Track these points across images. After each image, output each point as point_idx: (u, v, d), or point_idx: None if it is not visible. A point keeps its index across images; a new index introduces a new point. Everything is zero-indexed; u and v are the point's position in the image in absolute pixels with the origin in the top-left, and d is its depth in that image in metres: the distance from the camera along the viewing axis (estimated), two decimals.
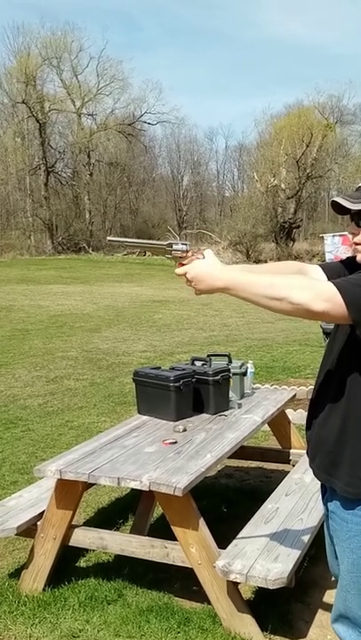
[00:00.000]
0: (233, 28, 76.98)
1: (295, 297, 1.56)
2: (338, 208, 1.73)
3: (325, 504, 1.85)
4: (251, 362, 3.88)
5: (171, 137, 46.99)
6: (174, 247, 1.81)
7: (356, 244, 1.73)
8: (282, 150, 35.65)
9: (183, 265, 1.76)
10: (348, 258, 1.86)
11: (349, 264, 1.83)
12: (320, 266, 1.92)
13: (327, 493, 1.82)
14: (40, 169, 38.48)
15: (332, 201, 1.74)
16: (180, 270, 1.73)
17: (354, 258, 1.79)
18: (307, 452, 1.88)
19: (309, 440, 1.83)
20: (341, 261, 1.90)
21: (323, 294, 1.56)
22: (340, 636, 1.83)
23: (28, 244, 35.95)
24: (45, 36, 39.67)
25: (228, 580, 2.52)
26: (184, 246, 1.80)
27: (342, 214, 1.73)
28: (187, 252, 1.79)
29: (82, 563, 3.22)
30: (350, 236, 1.77)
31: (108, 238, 2.01)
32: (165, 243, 1.82)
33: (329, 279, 1.83)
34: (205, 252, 1.74)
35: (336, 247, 13.43)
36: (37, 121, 37.92)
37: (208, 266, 1.68)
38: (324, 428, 1.76)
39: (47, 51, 39.09)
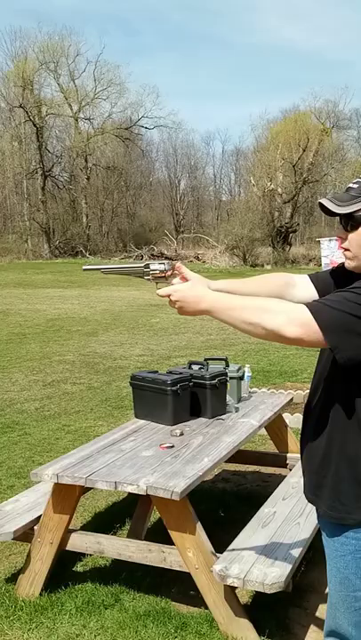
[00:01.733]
0: (230, 34, 77.30)
1: (267, 322, 1.52)
2: (326, 210, 1.66)
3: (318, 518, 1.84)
4: (248, 366, 3.89)
5: (168, 141, 47.15)
6: (152, 267, 1.78)
7: (344, 249, 1.68)
8: (278, 155, 35.75)
9: (164, 284, 1.75)
10: (339, 265, 1.82)
11: (340, 271, 1.78)
12: (309, 276, 1.87)
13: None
14: (37, 173, 38.49)
15: (319, 202, 1.68)
16: (162, 291, 1.69)
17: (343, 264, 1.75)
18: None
19: (301, 450, 1.82)
20: (333, 269, 1.86)
21: (296, 319, 1.50)
22: None
23: (25, 248, 35.92)
24: (43, 40, 39.79)
25: (225, 585, 2.52)
26: (162, 266, 1.77)
27: (330, 215, 1.67)
28: (166, 271, 1.77)
29: (79, 567, 3.21)
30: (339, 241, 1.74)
31: (84, 268, 1.91)
32: (142, 264, 1.80)
33: (317, 290, 1.82)
34: (192, 275, 1.75)
35: (332, 251, 13.45)
36: (34, 125, 37.95)
37: (192, 289, 1.67)
38: (311, 447, 1.74)
39: (44, 55, 39.18)
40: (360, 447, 1.63)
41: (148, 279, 1.78)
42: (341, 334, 1.50)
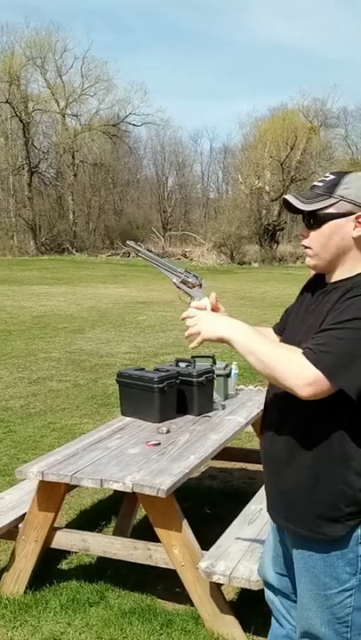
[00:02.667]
0: (221, 31, 77.25)
1: (285, 380, 1.54)
2: (290, 206, 1.66)
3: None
4: (235, 363, 3.89)
5: (155, 138, 46.99)
6: (185, 273, 1.82)
7: (305, 247, 1.68)
8: (266, 153, 35.84)
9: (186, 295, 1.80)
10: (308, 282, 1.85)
11: (308, 285, 1.81)
12: (273, 329, 1.92)
13: None
14: (23, 169, 38.23)
15: (284, 198, 1.68)
16: (189, 311, 1.72)
17: (315, 276, 1.78)
18: None
19: (269, 467, 1.83)
20: (289, 308, 1.89)
21: (307, 379, 1.50)
22: None
23: (10, 245, 35.70)
24: (30, 35, 39.50)
25: (211, 582, 2.52)
26: (194, 279, 1.80)
27: (294, 213, 1.67)
28: (194, 284, 1.79)
29: (64, 565, 3.20)
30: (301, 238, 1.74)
31: (127, 242, 1.93)
32: (181, 268, 1.84)
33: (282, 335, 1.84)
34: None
35: None
36: (21, 121, 37.68)
37: (215, 315, 1.70)
38: (284, 469, 1.73)
39: (31, 50, 38.91)
40: (335, 474, 1.62)
41: (178, 284, 1.82)
42: (346, 373, 1.50)
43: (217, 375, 3.57)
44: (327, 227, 1.62)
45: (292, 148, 35.27)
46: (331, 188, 1.62)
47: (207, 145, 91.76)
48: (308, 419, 1.62)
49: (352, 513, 1.61)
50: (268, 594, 2.01)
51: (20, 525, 2.92)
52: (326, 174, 1.68)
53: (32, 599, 2.84)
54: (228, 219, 32.26)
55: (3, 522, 2.90)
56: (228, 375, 3.72)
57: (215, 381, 3.56)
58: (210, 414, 3.41)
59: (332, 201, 1.61)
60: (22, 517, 2.92)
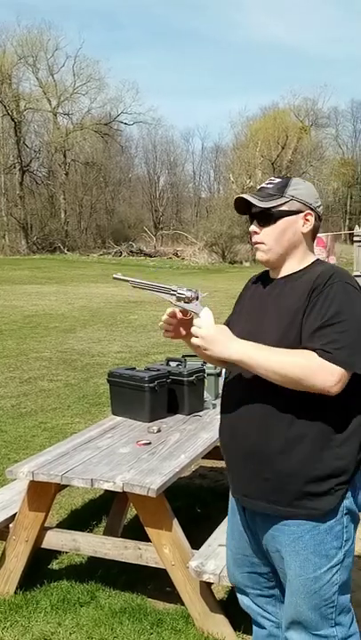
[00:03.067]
0: (213, 30, 77.40)
1: (314, 386, 1.62)
2: (241, 206, 1.81)
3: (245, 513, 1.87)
4: None
5: (147, 137, 47.05)
6: (178, 292, 1.82)
7: (258, 242, 1.81)
8: (258, 152, 35.92)
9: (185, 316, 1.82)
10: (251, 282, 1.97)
11: (249, 287, 1.95)
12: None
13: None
14: (15, 168, 38.12)
15: (239, 197, 1.80)
16: (196, 322, 1.73)
17: (263, 273, 1.91)
18: None
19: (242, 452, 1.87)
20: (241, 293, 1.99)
21: (334, 377, 1.60)
22: None
23: (2, 244, 35.59)
24: (21, 34, 39.45)
25: (201, 581, 2.52)
26: (190, 292, 1.80)
27: (242, 213, 1.83)
28: (191, 298, 1.79)
29: (54, 565, 3.19)
30: (252, 236, 1.84)
31: (114, 276, 1.98)
32: (173, 287, 1.84)
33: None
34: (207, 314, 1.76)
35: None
36: (12, 119, 37.57)
37: (221, 333, 1.71)
38: (264, 450, 1.77)
39: (23, 49, 38.84)
40: (325, 448, 1.69)
41: (175, 302, 1.82)
42: (359, 359, 1.63)
43: (208, 374, 3.57)
44: (281, 223, 1.78)
45: (283, 148, 35.37)
46: (281, 189, 1.78)
47: (199, 144, 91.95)
48: (297, 402, 1.68)
49: (340, 483, 1.70)
50: (242, 599, 2.04)
51: (10, 525, 2.91)
52: (271, 178, 1.86)
53: (22, 599, 2.83)
54: (219, 218, 32.31)
55: None
56: (219, 374, 3.73)
57: (206, 380, 3.57)
58: (200, 413, 3.42)
59: (284, 200, 1.77)
60: (13, 517, 2.91)
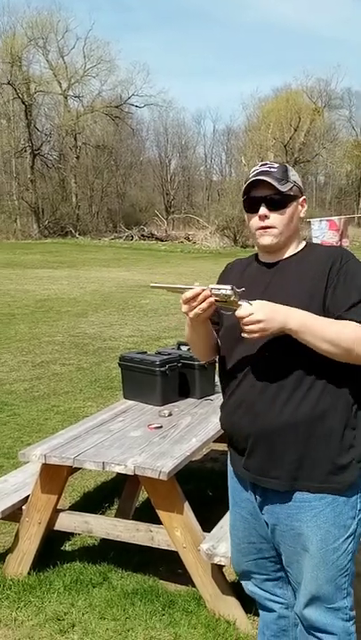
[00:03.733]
0: (223, 11, 76.25)
1: (359, 352, 1.65)
2: (258, 187, 1.77)
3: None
4: None
5: (158, 120, 46.67)
6: (213, 292, 1.71)
7: (268, 227, 1.79)
8: (270, 134, 35.57)
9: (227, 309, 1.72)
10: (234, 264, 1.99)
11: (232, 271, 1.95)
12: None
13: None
14: (26, 151, 38.01)
15: (259, 179, 1.77)
16: (243, 311, 1.64)
17: (249, 258, 1.92)
18: None
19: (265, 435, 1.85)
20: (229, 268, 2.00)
21: None
22: (314, 621, 1.83)
23: (13, 228, 35.62)
24: (31, 15, 39.15)
25: (212, 563, 2.54)
26: (225, 291, 1.70)
27: (250, 198, 1.80)
28: (229, 297, 1.69)
29: (67, 547, 3.23)
30: (256, 222, 1.81)
31: (151, 285, 1.84)
32: (208, 288, 1.73)
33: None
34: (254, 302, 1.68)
35: (323, 232, 13.42)
36: (23, 102, 37.38)
37: (272, 307, 1.66)
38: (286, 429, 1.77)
39: (33, 31, 38.52)
40: (348, 421, 1.74)
41: (212, 302, 1.73)
42: None
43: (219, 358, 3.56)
44: (291, 208, 1.81)
45: (295, 130, 34.98)
46: (285, 174, 1.80)
47: (210, 126, 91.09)
48: (324, 374, 1.71)
49: (359, 453, 1.74)
50: (247, 585, 2.05)
51: (23, 507, 2.94)
52: (265, 162, 1.86)
53: (36, 580, 2.87)
54: (231, 201, 32.05)
55: (6, 504, 2.92)
56: None
57: (217, 364, 3.55)
58: (212, 397, 3.42)
59: (290, 185, 1.80)
60: (26, 499, 2.94)
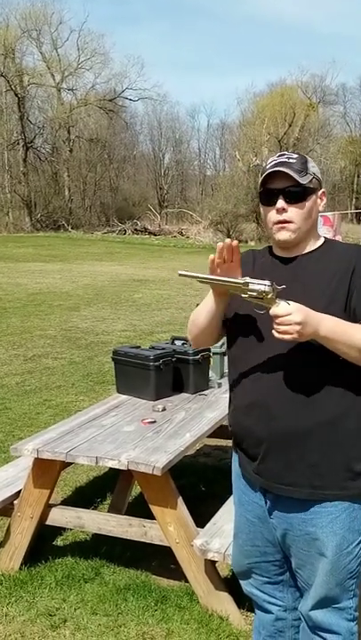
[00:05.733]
0: (218, 4, 76.02)
1: None
2: (276, 179, 1.68)
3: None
4: None
5: (152, 114, 46.49)
6: (250, 287, 1.61)
7: (286, 222, 1.71)
8: (264, 129, 35.50)
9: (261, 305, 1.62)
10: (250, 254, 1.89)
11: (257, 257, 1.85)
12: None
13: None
14: (19, 144, 37.76)
15: (278, 170, 1.67)
16: (282, 310, 1.55)
17: (270, 248, 1.82)
18: None
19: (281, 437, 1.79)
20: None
21: None
22: (320, 622, 1.82)
23: (5, 221, 35.39)
24: (25, 7, 39.00)
25: (205, 559, 2.53)
26: (262, 286, 1.60)
27: (266, 190, 1.71)
28: (266, 293, 1.59)
29: (59, 541, 3.21)
30: (273, 216, 1.72)
31: (180, 273, 1.70)
32: (242, 281, 1.62)
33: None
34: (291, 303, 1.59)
35: (318, 227, 13.41)
36: (16, 95, 37.10)
37: (309, 310, 1.58)
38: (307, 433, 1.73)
39: (26, 22, 38.21)
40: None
41: (246, 297, 1.64)
42: None
43: (213, 353, 3.55)
44: (310, 201, 1.73)
45: (290, 125, 34.94)
46: (305, 165, 1.71)
47: (204, 121, 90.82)
48: (343, 378, 1.66)
49: None
50: (246, 585, 2.02)
51: (15, 502, 2.91)
52: (282, 153, 1.77)
53: (27, 575, 2.85)
54: (224, 196, 32.04)
55: None
56: (224, 353, 3.70)
57: (211, 359, 3.54)
58: (206, 392, 3.40)
59: (310, 177, 1.71)
60: (18, 494, 2.92)
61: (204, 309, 1.82)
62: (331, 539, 1.72)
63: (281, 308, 1.56)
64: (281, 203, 1.70)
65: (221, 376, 3.67)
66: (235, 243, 1.65)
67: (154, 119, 46.54)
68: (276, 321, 1.57)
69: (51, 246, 24.86)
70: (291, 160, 1.71)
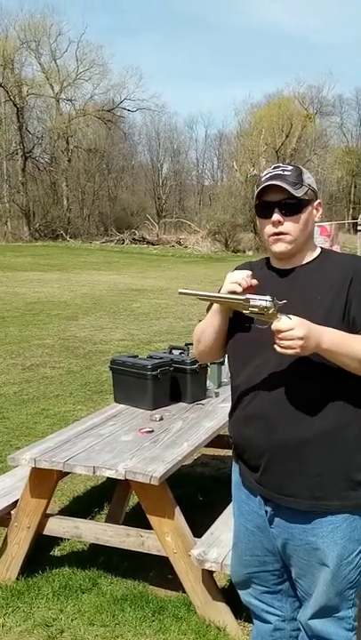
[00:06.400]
0: (217, 15, 76.61)
1: None
2: (264, 193, 1.71)
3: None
4: None
5: (150, 124, 46.70)
6: (252, 303, 1.62)
7: (282, 234, 1.72)
8: (262, 140, 35.69)
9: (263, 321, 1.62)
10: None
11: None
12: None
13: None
14: (17, 154, 37.89)
15: (272, 184, 1.69)
16: (284, 325, 1.55)
17: (260, 262, 1.84)
18: None
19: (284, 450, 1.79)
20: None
21: None
22: (319, 631, 1.82)
23: (4, 231, 35.45)
24: (24, 18, 39.11)
25: (203, 569, 2.52)
26: (263, 302, 1.60)
27: (262, 202, 1.73)
28: (267, 309, 1.59)
29: (56, 552, 3.20)
30: (269, 228, 1.73)
31: (180, 291, 1.72)
32: (242, 297, 1.63)
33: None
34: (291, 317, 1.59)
35: (314, 237, 13.45)
36: (15, 105, 37.28)
37: (311, 324, 1.57)
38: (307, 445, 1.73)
39: (26, 34, 38.47)
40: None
41: (247, 313, 1.64)
42: None
43: (211, 363, 3.56)
44: (305, 213, 1.74)
45: (287, 136, 35.14)
46: (300, 177, 1.72)
47: (202, 131, 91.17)
48: (343, 388, 1.67)
49: None
50: (244, 595, 2.01)
51: (12, 512, 2.91)
52: (278, 165, 1.77)
53: (24, 585, 2.84)
54: (222, 206, 32.16)
55: None
56: (222, 363, 3.71)
57: (209, 369, 3.55)
58: (203, 402, 3.41)
59: (305, 189, 1.72)
60: (15, 504, 2.91)
61: (210, 328, 1.84)
62: (332, 548, 1.72)
63: (283, 322, 1.57)
64: (277, 216, 1.71)
65: (219, 385, 3.68)
66: (254, 282, 1.68)
67: (152, 129, 46.79)
68: (279, 336, 1.57)
69: (49, 256, 24.89)
70: (286, 172, 1.72)
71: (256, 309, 1.62)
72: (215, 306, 1.79)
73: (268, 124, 35.87)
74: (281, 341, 1.56)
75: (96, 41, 55.66)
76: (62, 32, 40.02)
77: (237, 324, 1.79)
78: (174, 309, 11.87)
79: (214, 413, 3.23)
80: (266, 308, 1.60)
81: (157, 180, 46.61)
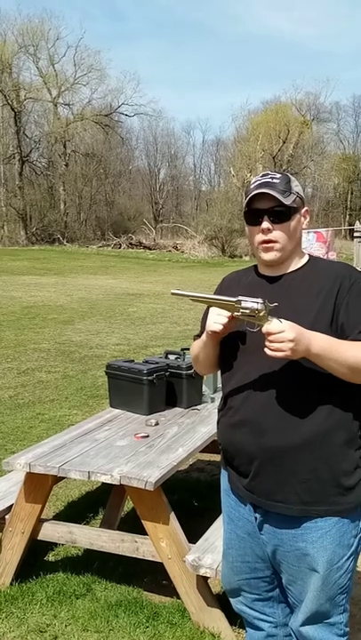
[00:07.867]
0: (216, 22, 76.97)
1: None
2: (259, 201, 1.71)
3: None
4: None
5: (148, 129, 46.91)
6: (243, 305, 1.63)
7: (271, 241, 1.73)
8: (259, 146, 35.82)
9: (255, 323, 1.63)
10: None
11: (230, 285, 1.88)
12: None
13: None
14: (15, 158, 37.95)
15: (262, 192, 1.70)
16: (274, 327, 1.56)
17: (248, 270, 1.86)
18: None
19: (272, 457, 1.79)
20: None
21: None
22: (310, 637, 1.82)
23: (1, 235, 35.48)
24: (22, 23, 39.25)
25: (197, 575, 2.52)
26: (255, 304, 1.61)
27: (252, 210, 1.74)
28: (258, 311, 1.60)
29: (51, 557, 3.19)
30: (258, 236, 1.74)
31: (172, 292, 1.75)
32: (234, 299, 1.65)
33: None
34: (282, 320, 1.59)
35: (311, 244, 13.50)
36: (12, 109, 37.36)
37: (301, 328, 1.58)
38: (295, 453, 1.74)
39: (24, 38, 38.65)
40: (354, 443, 1.73)
41: (238, 315, 1.65)
42: None
43: None
44: (294, 221, 1.75)
45: (284, 142, 35.27)
46: (288, 185, 1.74)
47: (200, 137, 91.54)
48: (331, 392, 1.67)
49: None
50: (236, 603, 2.01)
51: (6, 517, 2.90)
52: (266, 172, 1.79)
53: (18, 591, 2.83)
54: (219, 211, 32.21)
55: None
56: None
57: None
58: (199, 407, 3.41)
59: (293, 197, 1.74)
60: (9, 509, 2.90)
61: (203, 353, 1.89)
62: (321, 554, 1.73)
63: (274, 325, 1.57)
64: (266, 223, 1.72)
65: (215, 391, 3.68)
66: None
67: (149, 134, 46.98)
68: (269, 338, 1.57)
69: (46, 259, 24.88)
70: (275, 180, 1.73)
71: (247, 311, 1.63)
72: (205, 336, 1.82)
73: (266, 130, 36.02)
74: (271, 344, 1.57)
75: (94, 46, 55.84)
76: (60, 37, 40.41)
77: (228, 334, 1.78)
78: (170, 314, 11.87)
79: (210, 419, 3.23)
80: (257, 310, 1.61)
81: (154, 185, 46.72)
